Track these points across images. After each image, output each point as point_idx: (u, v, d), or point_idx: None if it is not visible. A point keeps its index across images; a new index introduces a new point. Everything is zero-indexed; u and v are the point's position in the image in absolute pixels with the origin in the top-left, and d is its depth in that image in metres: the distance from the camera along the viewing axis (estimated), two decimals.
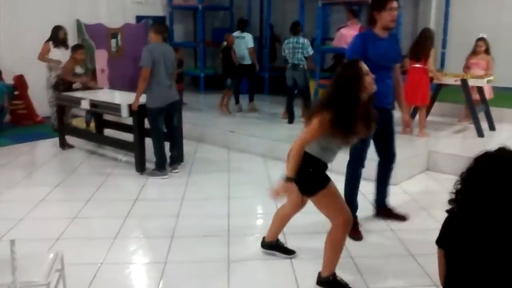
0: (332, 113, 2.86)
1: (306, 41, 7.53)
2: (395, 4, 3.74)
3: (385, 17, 3.74)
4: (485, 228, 1.90)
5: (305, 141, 2.94)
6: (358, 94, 2.92)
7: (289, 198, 3.41)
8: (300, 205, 3.46)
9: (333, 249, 3.15)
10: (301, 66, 7.49)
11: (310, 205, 4.75)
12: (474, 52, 7.16)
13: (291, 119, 7.64)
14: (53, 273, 2.66)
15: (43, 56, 7.54)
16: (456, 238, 2.00)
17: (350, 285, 3.20)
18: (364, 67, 2.99)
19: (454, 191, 2.03)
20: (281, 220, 3.62)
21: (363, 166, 4.04)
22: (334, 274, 3.19)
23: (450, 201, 2.05)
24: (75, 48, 7.07)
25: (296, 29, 7.60)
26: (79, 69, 7.03)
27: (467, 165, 2.00)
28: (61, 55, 7.57)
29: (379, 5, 3.75)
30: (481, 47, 7.07)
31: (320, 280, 3.22)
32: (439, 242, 2.10)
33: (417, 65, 6.48)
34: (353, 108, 2.89)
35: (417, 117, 6.79)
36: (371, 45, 3.76)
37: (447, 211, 2.08)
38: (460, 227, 1.99)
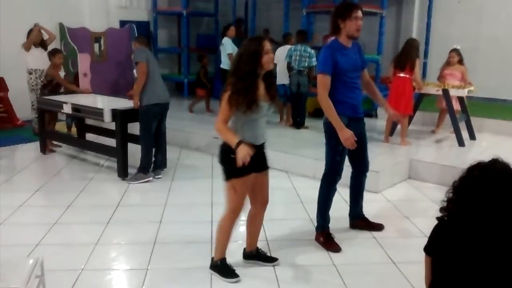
0: (231, 87, 3.07)
1: (313, 51, 7.76)
2: (360, 13, 3.66)
3: (349, 26, 3.65)
4: (474, 238, 1.93)
5: (221, 121, 3.12)
6: (256, 68, 3.10)
7: (251, 198, 3.45)
8: (261, 200, 3.47)
9: (220, 233, 3.39)
10: (305, 72, 7.69)
11: (293, 211, 4.77)
12: (448, 63, 7.31)
13: (299, 125, 7.81)
14: (32, 279, 2.60)
15: (29, 45, 7.50)
16: (445, 246, 2.01)
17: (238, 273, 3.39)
18: (267, 45, 3.14)
19: (445, 199, 2.05)
20: (251, 223, 3.60)
21: (340, 177, 3.98)
22: (223, 259, 3.43)
23: (441, 209, 2.07)
24: (53, 52, 6.99)
25: (302, 37, 7.80)
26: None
27: (460, 174, 2.02)
28: (40, 56, 7.50)
29: (344, 14, 3.66)
30: (453, 58, 7.22)
31: (211, 264, 3.48)
32: (427, 249, 2.11)
33: (402, 75, 6.56)
34: (251, 79, 3.08)
35: (399, 126, 6.87)
36: (339, 56, 3.69)
37: (437, 218, 2.09)
38: (450, 236, 2.00)
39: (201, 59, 9.35)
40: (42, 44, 7.66)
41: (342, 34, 3.72)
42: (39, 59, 7.48)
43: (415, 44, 6.61)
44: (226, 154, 3.16)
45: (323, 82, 3.71)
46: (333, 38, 3.85)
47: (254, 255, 3.66)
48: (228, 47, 8.49)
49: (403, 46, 6.72)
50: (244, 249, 3.69)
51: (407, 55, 6.51)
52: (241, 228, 4.47)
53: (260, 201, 3.49)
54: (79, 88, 7.45)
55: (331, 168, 3.93)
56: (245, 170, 3.14)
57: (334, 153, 3.84)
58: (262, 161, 3.35)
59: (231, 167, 3.15)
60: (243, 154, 3.01)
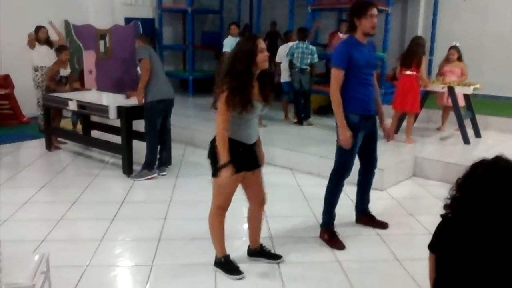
0: (227, 87, 3.03)
1: (315, 48, 7.82)
2: (375, 11, 3.72)
3: (365, 24, 3.71)
4: (478, 235, 1.93)
5: (221, 126, 3.08)
6: (251, 67, 3.07)
7: (248, 196, 3.48)
8: (257, 198, 3.49)
9: (211, 231, 3.44)
10: (308, 70, 7.73)
11: (297, 208, 4.77)
12: (447, 60, 7.29)
13: (302, 121, 7.87)
14: (38, 275, 2.63)
15: (32, 44, 7.56)
16: (449, 244, 2.01)
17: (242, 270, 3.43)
18: (261, 44, 3.11)
19: (449, 196, 2.05)
20: (251, 220, 3.63)
21: (348, 175, 3.99)
22: (226, 256, 3.46)
23: (445, 207, 2.07)
24: (60, 49, 7.02)
25: (303, 34, 7.81)
26: (62, 71, 6.96)
27: (464, 171, 2.02)
28: (46, 53, 7.54)
29: (359, 12, 3.72)
30: (453, 55, 7.20)
31: (215, 261, 3.49)
32: (431, 246, 2.12)
33: (408, 72, 6.54)
34: (246, 78, 3.05)
35: (404, 123, 6.85)
36: (355, 51, 3.74)
37: (442, 216, 2.09)
38: (454, 233, 2.00)
39: (219, 56, 9.28)
40: (48, 42, 7.69)
41: (358, 31, 3.78)
42: (45, 56, 7.52)
43: (421, 42, 6.60)
44: (216, 151, 3.13)
45: (336, 76, 3.75)
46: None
47: (258, 252, 3.66)
48: (226, 47, 8.51)
49: (409, 44, 6.70)
50: (248, 246, 3.70)
51: (413, 52, 6.49)
52: (245, 225, 4.48)
53: (256, 200, 3.49)
54: (73, 86, 7.39)
55: (340, 164, 3.95)
56: (235, 168, 3.13)
57: (344, 150, 3.85)
58: (253, 160, 3.35)
59: (217, 164, 3.12)
60: (224, 177, 3.07)
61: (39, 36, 7.61)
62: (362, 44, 3.81)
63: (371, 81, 3.93)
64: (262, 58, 3.09)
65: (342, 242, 3.94)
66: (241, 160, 3.18)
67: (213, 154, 3.21)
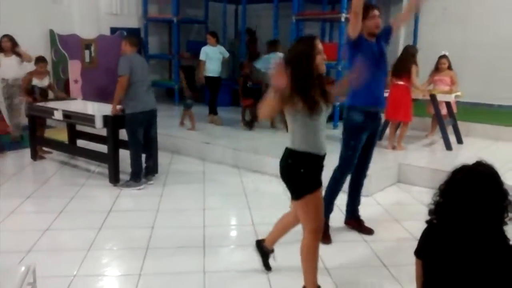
0: (290, 88, 2.81)
1: None
2: (376, 12, 3.99)
3: (369, 24, 3.95)
4: (461, 240, 1.96)
5: (266, 108, 2.89)
6: (310, 69, 2.88)
7: (293, 205, 3.27)
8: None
9: (308, 260, 3.07)
10: None
11: None
12: (437, 69, 7.34)
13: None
14: (25, 286, 2.61)
15: None
16: (434, 249, 2.05)
17: None
18: (319, 46, 2.93)
19: (432, 202, 2.09)
20: (283, 228, 3.51)
21: (351, 171, 4.21)
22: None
23: (430, 212, 2.11)
24: (37, 61, 6.87)
25: (276, 46, 7.90)
26: (36, 81, 6.77)
27: (446, 177, 2.07)
28: (10, 64, 7.31)
29: (363, 15, 3.90)
30: (444, 64, 7.26)
31: None
32: (418, 253, 2.15)
33: (399, 82, 6.57)
34: (307, 81, 2.86)
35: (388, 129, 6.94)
36: (365, 48, 3.92)
37: (427, 222, 2.13)
38: (439, 238, 2.04)
39: (242, 67, 8.96)
40: (15, 52, 7.36)
41: (364, 32, 3.99)
42: (9, 68, 7.29)
43: (411, 51, 6.65)
44: (294, 169, 2.93)
45: None
46: None
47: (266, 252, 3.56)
48: (202, 55, 8.58)
49: (401, 53, 6.78)
50: (264, 239, 3.59)
51: (404, 62, 6.55)
52: (233, 233, 4.51)
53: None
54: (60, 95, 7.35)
55: (343, 161, 4.16)
56: (316, 184, 3.00)
57: (347, 148, 4.09)
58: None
59: (301, 183, 2.93)
60: (278, 72, 2.76)
61: (1, 46, 7.28)
62: (371, 42, 4.02)
63: (383, 80, 4.17)
64: (320, 60, 2.92)
65: (329, 237, 4.10)
66: (318, 174, 3.04)
67: (291, 175, 2.98)
